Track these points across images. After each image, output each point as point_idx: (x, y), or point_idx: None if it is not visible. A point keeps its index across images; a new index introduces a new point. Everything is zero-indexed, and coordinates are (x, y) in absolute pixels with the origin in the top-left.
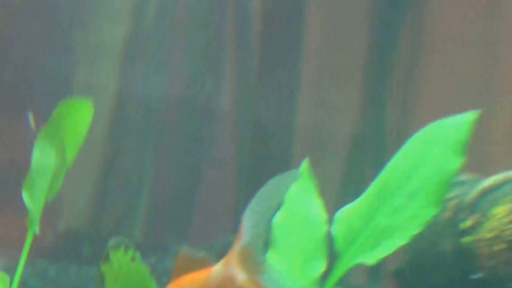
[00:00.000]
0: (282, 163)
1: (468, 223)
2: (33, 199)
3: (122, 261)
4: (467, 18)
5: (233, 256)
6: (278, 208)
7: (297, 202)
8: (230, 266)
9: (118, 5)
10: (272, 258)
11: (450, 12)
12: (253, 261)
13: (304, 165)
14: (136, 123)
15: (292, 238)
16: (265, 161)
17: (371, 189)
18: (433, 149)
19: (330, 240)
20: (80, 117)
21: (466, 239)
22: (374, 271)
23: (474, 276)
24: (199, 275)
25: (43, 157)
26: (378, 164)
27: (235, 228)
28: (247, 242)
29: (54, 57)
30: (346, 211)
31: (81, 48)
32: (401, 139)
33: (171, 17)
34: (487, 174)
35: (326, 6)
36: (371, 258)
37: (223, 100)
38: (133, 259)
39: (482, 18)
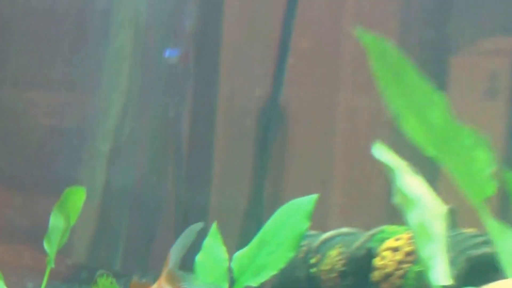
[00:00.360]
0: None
1: (314, 260)
2: (50, 247)
3: (105, 284)
4: (309, 134)
5: (163, 276)
6: (199, 250)
7: (210, 248)
8: (161, 283)
9: (106, 129)
10: None
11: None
12: (176, 277)
13: (214, 226)
14: (116, 200)
15: (207, 270)
16: (190, 223)
17: (255, 241)
18: (292, 216)
19: (230, 271)
20: (77, 198)
21: (313, 270)
22: None
23: None
24: None
25: (56, 221)
26: (260, 225)
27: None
28: (171, 266)
29: (63, 161)
30: (240, 254)
31: (82, 156)
32: (273, 209)
33: (138, 135)
34: (325, 230)
35: (229, 125)
36: (255, 282)
37: (166, 188)
38: (111, 283)
39: (320, 136)
